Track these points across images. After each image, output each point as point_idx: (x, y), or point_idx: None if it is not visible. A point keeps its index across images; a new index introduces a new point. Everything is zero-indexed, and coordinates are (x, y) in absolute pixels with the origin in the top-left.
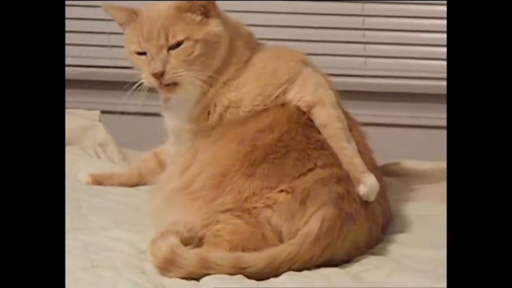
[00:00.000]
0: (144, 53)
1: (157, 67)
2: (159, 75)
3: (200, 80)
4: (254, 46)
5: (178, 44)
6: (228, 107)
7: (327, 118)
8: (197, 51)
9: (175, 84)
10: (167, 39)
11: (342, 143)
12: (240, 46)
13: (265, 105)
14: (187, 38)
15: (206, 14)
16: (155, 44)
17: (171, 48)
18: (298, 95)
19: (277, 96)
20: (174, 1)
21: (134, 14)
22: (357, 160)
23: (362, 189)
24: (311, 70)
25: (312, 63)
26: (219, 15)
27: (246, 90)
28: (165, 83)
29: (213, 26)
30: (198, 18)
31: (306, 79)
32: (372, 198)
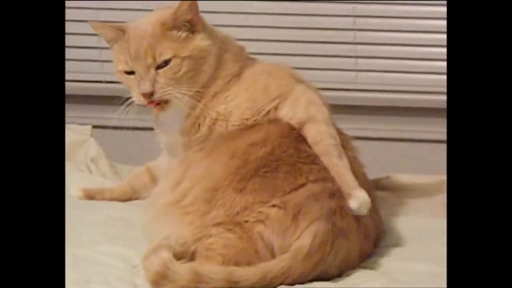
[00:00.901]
0: (132, 72)
1: (146, 87)
2: (148, 95)
3: (189, 95)
4: (244, 60)
5: (166, 62)
6: (216, 119)
7: (319, 135)
8: (184, 68)
9: (165, 102)
10: (154, 59)
11: (334, 160)
12: (228, 59)
13: (255, 120)
14: (174, 56)
15: (192, 29)
16: (142, 64)
17: (158, 67)
18: (289, 113)
19: (268, 112)
20: (159, 18)
21: (121, 32)
22: (349, 177)
23: (353, 204)
24: (303, 87)
25: (304, 79)
26: (205, 29)
27: (235, 103)
28: (155, 102)
29: (199, 41)
30: (184, 34)
31: (298, 96)
32: (363, 212)
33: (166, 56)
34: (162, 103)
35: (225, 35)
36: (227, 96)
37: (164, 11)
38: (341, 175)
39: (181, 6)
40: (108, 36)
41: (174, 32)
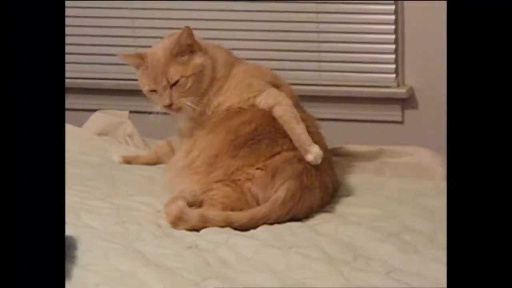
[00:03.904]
0: (155, 90)
1: (165, 102)
2: (168, 107)
3: (196, 99)
4: (232, 61)
5: (176, 82)
6: (216, 107)
7: (282, 111)
8: (189, 84)
9: (180, 108)
10: (168, 81)
11: (293, 125)
12: (220, 65)
13: (240, 106)
14: (181, 77)
15: (191, 50)
16: (160, 85)
17: (172, 85)
18: (263, 100)
19: (248, 99)
20: (167, 46)
21: (141, 59)
22: (304, 136)
23: (309, 157)
24: (275, 90)
25: (278, 77)
26: (200, 48)
27: (228, 95)
28: (173, 110)
29: (197, 60)
30: (186, 57)
31: (270, 93)
32: (318, 161)
33: (175, 78)
34: (178, 109)
35: (214, 45)
36: (222, 90)
37: (170, 39)
38: (298, 135)
39: (182, 34)
40: (133, 63)
41: (179, 58)
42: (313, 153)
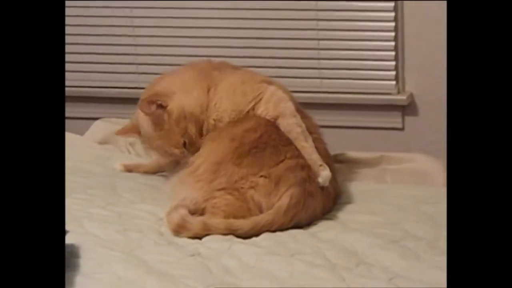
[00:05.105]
0: None
1: (186, 161)
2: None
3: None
4: (210, 72)
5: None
6: (214, 124)
7: (288, 126)
8: (188, 138)
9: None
10: (173, 154)
11: (303, 143)
12: (196, 80)
13: (238, 119)
14: (175, 145)
15: (164, 106)
16: (171, 158)
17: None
18: (264, 111)
19: (247, 112)
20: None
21: (135, 132)
22: (315, 156)
23: (319, 180)
24: (273, 88)
25: (273, 80)
26: (167, 92)
27: (223, 109)
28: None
29: (174, 111)
30: (166, 124)
31: (269, 97)
32: (326, 184)
33: (177, 152)
34: None
35: (183, 68)
36: (215, 104)
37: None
38: (309, 155)
39: (143, 109)
40: (131, 136)
41: (161, 127)
42: (323, 176)
